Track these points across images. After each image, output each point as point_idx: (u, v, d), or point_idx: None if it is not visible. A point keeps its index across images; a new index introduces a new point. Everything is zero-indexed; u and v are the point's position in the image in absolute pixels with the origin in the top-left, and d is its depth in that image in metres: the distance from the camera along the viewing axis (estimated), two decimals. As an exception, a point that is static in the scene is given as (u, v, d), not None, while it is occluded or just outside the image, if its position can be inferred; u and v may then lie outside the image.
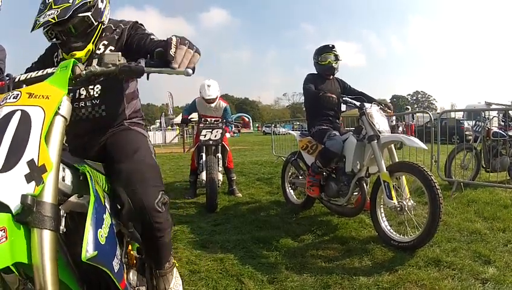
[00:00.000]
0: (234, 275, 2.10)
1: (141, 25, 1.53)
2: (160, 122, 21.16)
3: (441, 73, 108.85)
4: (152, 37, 1.42)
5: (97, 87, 1.43)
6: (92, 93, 1.43)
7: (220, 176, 3.84)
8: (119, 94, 1.51)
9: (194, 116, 4.69)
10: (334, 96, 2.87)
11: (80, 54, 1.35)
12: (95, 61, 1.37)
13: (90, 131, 1.45)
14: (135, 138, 1.44)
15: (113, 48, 1.46)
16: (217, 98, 4.36)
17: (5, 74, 1.15)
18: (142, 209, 1.22)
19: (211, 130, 3.91)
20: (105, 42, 1.47)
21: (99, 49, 1.46)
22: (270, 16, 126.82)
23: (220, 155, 3.97)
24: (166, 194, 1.34)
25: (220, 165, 3.94)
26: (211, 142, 3.89)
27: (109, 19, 1.51)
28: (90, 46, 1.39)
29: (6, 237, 0.70)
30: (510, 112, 4.82)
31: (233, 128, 6.45)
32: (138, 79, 1.55)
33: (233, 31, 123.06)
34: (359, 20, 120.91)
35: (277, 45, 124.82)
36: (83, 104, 1.43)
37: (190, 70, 1.22)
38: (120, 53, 1.19)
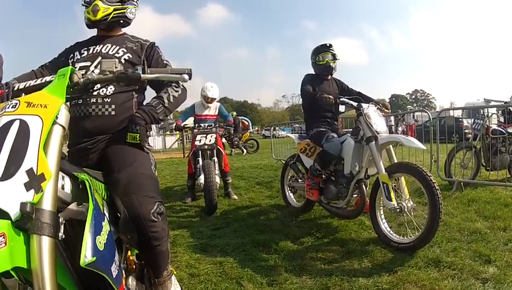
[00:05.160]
0: (233, 278, 2.11)
1: (157, 47, 1.68)
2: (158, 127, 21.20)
3: (440, 71, 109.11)
4: (168, 68, 1.57)
5: (110, 87, 1.49)
6: (104, 91, 1.48)
7: (218, 179, 3.91)
8: (129, 98, 1.55)
9: (188, 122, 4.78)
10: (331, 97, 2.86)
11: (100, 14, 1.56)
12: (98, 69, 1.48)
13: (96, 130, 1.46)
14: (136, 149, 1.45)
15: (130, 56, 1.59)
16: (215, 99, 4.53)
17: (4, 83, 1.17)
18: (137, 219, 1.22)
19: (205, 135, 4.01)
20: (125, 49, 1.60)
21: (118, 53, 1.58)
22: (270, 11, 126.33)
23: (215, 159, 4.05)
24: (163, 205, 1.34)
25: (217, 168, 4.02)
26: (206, 146, 4.00)
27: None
28: (110, 10, 1.59)
29: (5, 243, 0.72)
30: (510, 108, 4.81)
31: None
32: (145, 93, 1.67)
33: (232, 28, 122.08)
34: (360, 14, 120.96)
35: (277, 42, 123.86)
36: (94, 101, 1.46)
37: (186, 76, 1.25)
38: (117, 60, 1.21)
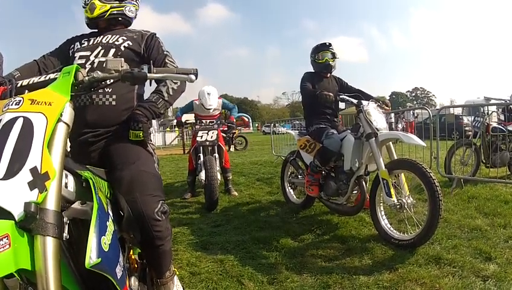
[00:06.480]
0: (234, 276, 2.11)
1: (158, 38, 1.69)
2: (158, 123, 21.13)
3: (440, 69, 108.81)
4: (169, 59, 1.60)
5: None
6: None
7: (218, 175, 3.93)
8: (130, 89, 1.55)
9: (189, 118, 4.75)
10: (331, 94, 2.87)
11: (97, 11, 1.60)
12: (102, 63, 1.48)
13: (96, 121, 1.45)
14: (139, 147, 1.44)
15: (130, 43, 1.61)
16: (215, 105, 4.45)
17: (8, 79, 1.15)
18: (141, 218, 1.21)
19: (207, 132, 4.03)
20: (125, 38, 1.62)
21: (118, 41, 1.60)
22: (270, 10, 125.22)
23: (217, 155, 4.07)
24: (166, 203, 1.33)
25: (217, 164, 4.04)
26: (207, 143, 4.03)
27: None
28: (107, 7, 1.62)
29: (9, 244, 0.70)
30: (510, 106, 4.81)
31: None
32: (145, 89, 1.66)
33: (232, 28, 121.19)
34: (360, 13, 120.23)
35: (277, 42, 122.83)
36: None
37: (193, 77, 1.25)
38: (123, 59, 1.20)
